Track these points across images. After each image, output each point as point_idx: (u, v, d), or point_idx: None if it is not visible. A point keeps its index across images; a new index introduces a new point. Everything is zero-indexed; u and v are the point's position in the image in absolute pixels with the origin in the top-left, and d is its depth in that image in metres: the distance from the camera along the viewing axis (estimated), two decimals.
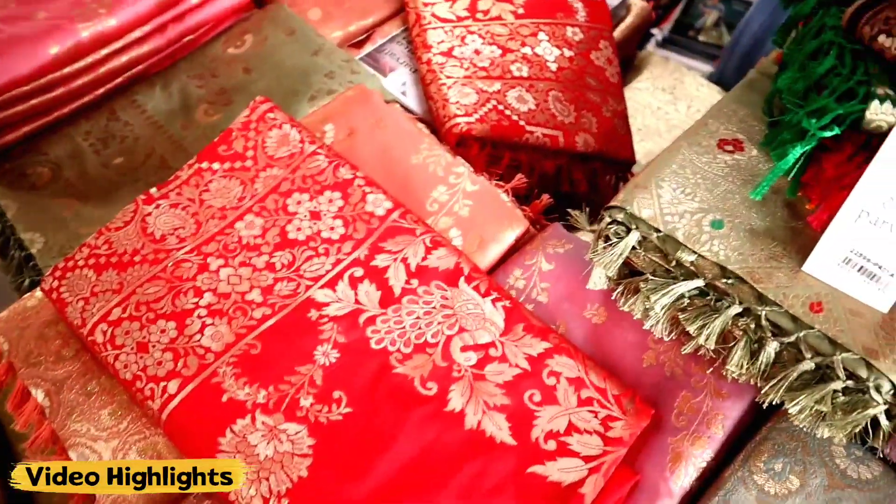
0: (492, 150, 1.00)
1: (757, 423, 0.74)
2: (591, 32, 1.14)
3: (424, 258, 0.76)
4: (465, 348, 0.71)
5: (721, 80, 1.32)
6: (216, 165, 0.83)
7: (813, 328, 0.63)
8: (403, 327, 0.72)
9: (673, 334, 0.73)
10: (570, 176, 1.05)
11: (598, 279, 0.74)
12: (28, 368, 0.76)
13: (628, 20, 1.27)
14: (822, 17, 0.69)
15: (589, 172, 1.06)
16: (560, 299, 0.80)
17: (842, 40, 0.66)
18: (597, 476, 0.65)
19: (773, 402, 0.67)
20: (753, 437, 0.72)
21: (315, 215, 0.79)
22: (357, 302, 0.74)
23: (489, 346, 0.71)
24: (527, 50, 1.09)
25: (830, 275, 0.64)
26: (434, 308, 0.73)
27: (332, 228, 0.78)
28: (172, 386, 0.68)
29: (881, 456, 0.68)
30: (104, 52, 1.07)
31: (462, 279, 0.75)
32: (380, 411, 0.68)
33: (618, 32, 1.25)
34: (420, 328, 0.72)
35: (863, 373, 0.61)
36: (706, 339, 0.68)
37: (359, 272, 0.75)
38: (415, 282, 0.75)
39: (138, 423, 0.73)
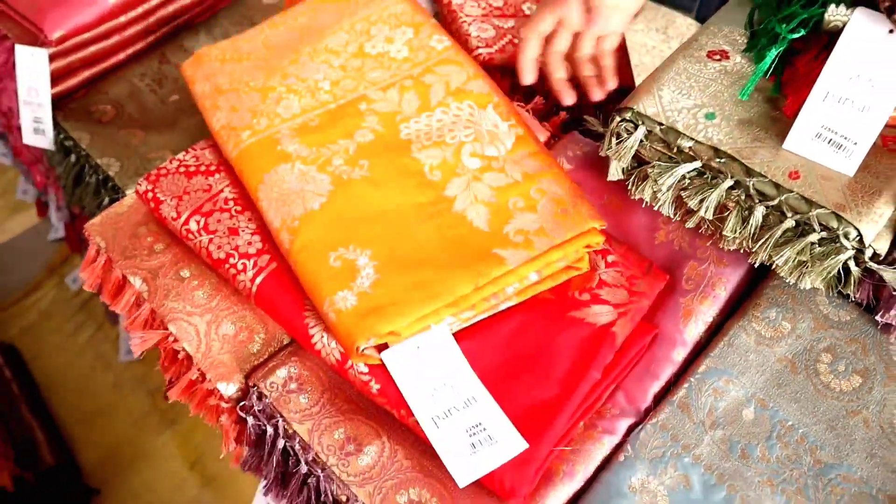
0: (511, 79, 1.12)
1: (752, 289, 0.88)
2: None
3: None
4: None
5: (705, 19, 1.45)
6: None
7: (792, 192, 0.77)
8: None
9: (678, 214, 0.86)
10: (580, 101, 1.18)
11: (615, 171, 0.87)
12: (125, 260, 0.88)
13: None
14: None
15: (597, 103, 1.19)
16: None
17: None
18: (625, 319, 0.79)
19: (763, 262, 0.80)
20: (751, 295, 0.86)
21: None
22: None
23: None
24: None
25: (805, 148, 0.78)
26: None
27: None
28: (262, 260, 0.82)
29: (856, 301, 0.82)
30: (154, 1, 1.18)
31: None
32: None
33: None
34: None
35: (834, 224, 0.75)
36: (705, 211, 0.81)
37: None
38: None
39: (228, 300, 0.85)
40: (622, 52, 1.23)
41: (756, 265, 0.84)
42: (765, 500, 0.75)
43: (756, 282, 0.89)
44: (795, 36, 0.76)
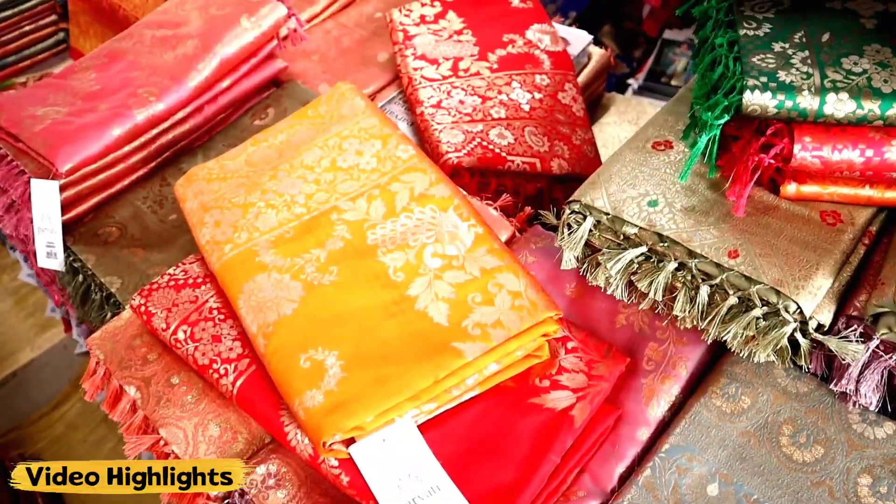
0: (480, 178, 1.20)
1: (714, 365, 0.91)
2: (556, 77, 1.35)
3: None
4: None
5: None
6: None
7: (732, 270, 0.81)
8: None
9: (633, 297, 0.91)
10: (550, 196, 1.25)
11: (568, 260, 0.93)
12: (121, 371, 0.94)
13: (590, 66, 1.49)
14: (714, 37, 0.90)
15: (567, 192, 1.26)
16: (544, 282, 0.98)
17: (729, 53, 0.86)
18: (584, 402, 0.82)
19: (715, 338, 0.84)
20: (711, 372, 0.89)
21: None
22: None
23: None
24: (503, 97, 1.30)
25: None
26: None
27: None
28: (242, 364, 0.87)
29: (812, 372, 0.84)
30: (155, 131, 1.29)
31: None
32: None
33: (583, 76, 1.47)
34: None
35: (774, 298, 0.79)
36: (654, 293, 0.85)
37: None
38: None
39: (213, 403, 0.91)
40: (591, 145, 1.31)
41: (715, 342, 0.87)
42: None
43: (717, 358, 0.92)
44: (721, 122, 0.82)
